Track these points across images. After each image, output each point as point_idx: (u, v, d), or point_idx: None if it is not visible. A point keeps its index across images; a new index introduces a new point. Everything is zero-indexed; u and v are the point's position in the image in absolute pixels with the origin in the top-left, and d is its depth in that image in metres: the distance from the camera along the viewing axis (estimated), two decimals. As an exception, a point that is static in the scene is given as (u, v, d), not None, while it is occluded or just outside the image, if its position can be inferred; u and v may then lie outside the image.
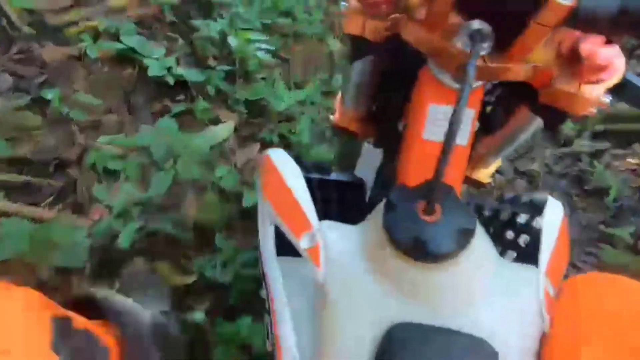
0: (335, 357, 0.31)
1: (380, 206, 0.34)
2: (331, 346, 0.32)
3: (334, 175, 0.47)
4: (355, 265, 0.34)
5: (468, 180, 0.59)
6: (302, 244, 0.37)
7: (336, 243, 0.36)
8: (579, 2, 0.28)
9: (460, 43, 0.33)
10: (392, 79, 0.44)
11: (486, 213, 0.49)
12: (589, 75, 0.33)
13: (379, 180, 0.49)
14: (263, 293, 0.44)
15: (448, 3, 0.31)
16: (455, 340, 0.30)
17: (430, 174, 0.31)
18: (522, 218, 0.48)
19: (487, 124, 0.45)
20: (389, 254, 0.32)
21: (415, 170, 0.40)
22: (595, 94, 0.34)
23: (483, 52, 0.33)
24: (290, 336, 0.34)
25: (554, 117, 0.38)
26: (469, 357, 0.29)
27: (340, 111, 0.52)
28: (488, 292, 0.33)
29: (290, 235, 0.39)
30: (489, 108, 0.46)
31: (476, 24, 0.33)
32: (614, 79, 0.34)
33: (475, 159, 0.54)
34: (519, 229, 0.48)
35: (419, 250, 0.30)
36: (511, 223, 0.49)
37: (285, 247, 0.40)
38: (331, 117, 0.54)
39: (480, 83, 0.37)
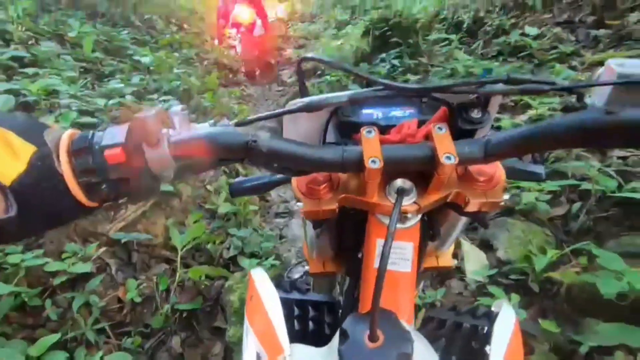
0: None
1: (338, 333, 0.41)
2: None
3: (309, 295, 0.53)
4: None
5: (437, 269, 0.65)
6: None
7: None
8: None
9: (390, 197, 0.42)
10: (346, 226, 0.54)
11: (449, 325, 0.54)
12: (483, 185, 0.43)
13: (346, 301, 0.55)
14: None
15: (374, 174, 0.40)
16: None
17: (385, 299, 0.37)
18: (483, 329, 0.53)
19: (431, 230, 0.54)
20: None
21: (371, 295, 0.46)
22: (497, 196, 0.43)
23: (409, 202, 0.42)
24: None
25: (478, 215, 0.47)
26: None
27: (311, 261, 0.62)
28: None
29: (264, 357, 0.45)
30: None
31: (399, 182, 0.42)
32: (502, 183, 0.43)
33: (432, 253, 0.63)
34: (482, 340, 0.53)
35: None
36: (474, 334, 0.54)
37: None
38: (306, 267, 0.64)
39: (417, 220, 0.46)
